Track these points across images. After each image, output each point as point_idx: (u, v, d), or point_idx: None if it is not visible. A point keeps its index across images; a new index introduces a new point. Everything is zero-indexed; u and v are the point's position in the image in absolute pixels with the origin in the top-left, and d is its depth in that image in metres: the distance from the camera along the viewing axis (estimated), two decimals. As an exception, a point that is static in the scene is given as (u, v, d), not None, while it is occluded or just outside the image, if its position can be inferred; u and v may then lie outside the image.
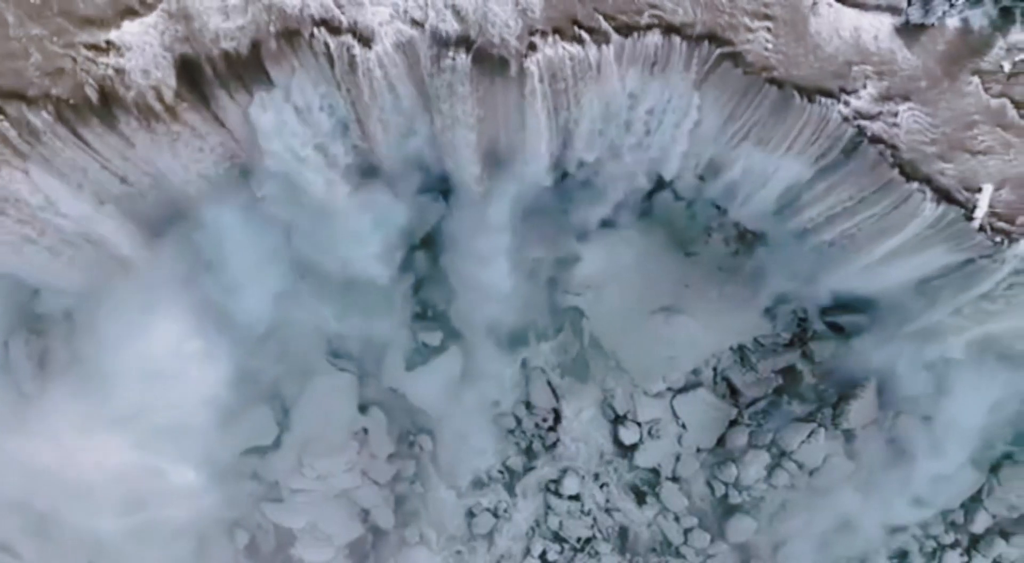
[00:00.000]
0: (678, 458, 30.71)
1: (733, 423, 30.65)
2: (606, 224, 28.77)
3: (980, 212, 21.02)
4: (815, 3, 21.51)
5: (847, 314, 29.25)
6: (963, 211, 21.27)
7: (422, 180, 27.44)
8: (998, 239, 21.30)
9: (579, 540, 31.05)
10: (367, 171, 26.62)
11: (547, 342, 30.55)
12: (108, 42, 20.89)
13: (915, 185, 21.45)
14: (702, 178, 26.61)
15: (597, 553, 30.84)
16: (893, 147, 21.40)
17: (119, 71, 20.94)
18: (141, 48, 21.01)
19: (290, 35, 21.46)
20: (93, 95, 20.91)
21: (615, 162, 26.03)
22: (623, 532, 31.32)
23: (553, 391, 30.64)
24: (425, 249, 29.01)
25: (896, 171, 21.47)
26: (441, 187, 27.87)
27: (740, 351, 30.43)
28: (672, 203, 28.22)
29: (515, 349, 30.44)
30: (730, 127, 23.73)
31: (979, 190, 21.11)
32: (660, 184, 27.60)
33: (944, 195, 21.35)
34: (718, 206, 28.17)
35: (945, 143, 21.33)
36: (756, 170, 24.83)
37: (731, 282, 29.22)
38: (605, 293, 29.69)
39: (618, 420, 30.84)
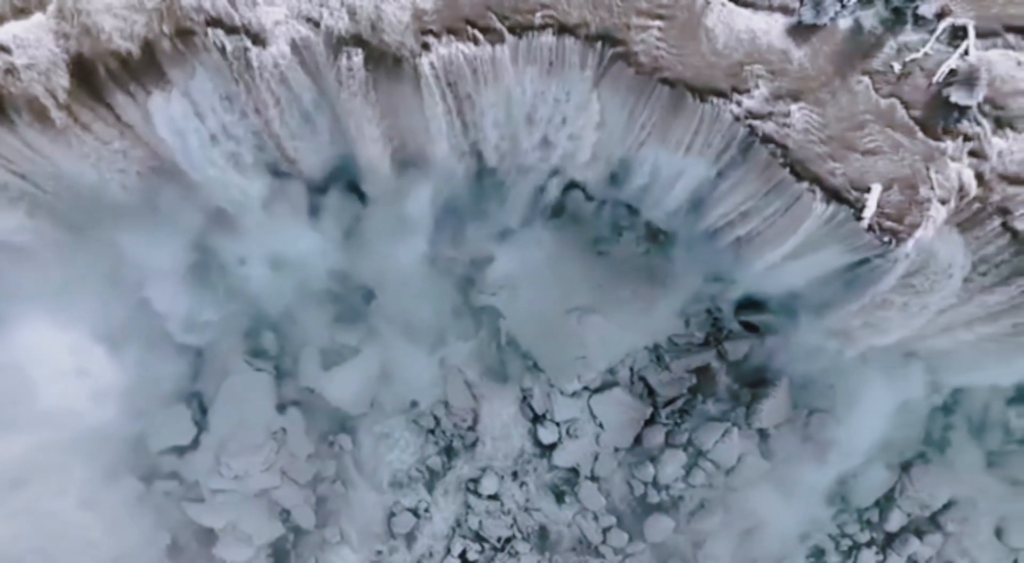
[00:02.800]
0: (596, 457, 30.66)
1: (650, 422, 30.63)
2: (519, 224, 28.75)
3: (869, 212, 21.01)
4: (708, 3, 21.58)
5: (760, 313, 29.35)
6: (853, 211, 21.34)
7: (337, 179, 27.49)
8: (887, 239, 21.31)
9: (499, 539, 31.03)
10: (279, 171, 26.63)
11: (465, 342, 30.52)
12: (-5, 41, 20.96)
13: (805, 185, 21.44)
14: (612, 178, 26.65)
15: (517, 553, 30.89)
16: (784, 147, 21.41)
17: (8, 71, 20.95)
18: (31, 47, 20.99)
19: (184, 35, 21.46)
20: (-19, 95, 21.02)
21: (524, 161, 26.05)
22: (543, 531, 31.30)
23: (471, 391, 30.64)
24: (342, 248, 28.92)
25: (787, 171, 21.45)
26: (356, 186, 27.85)
27: (655, 351, 30.48)
28: (583, 203, 28.16)
29: (433, 349, 30.36)
30: (633, 127, 23.74)
31: (868, 190, 21.18)
32: (571, 184, 27.66)
33: (834, 195, 21.31)
34: (629, 206, 28.23)
35: (835, 143, 21.37)
36: (663, 170, 24.86)
37: (644, 282, 29.17)
38: (520, 293, 29.67)
39: (537, 420, 30.83)
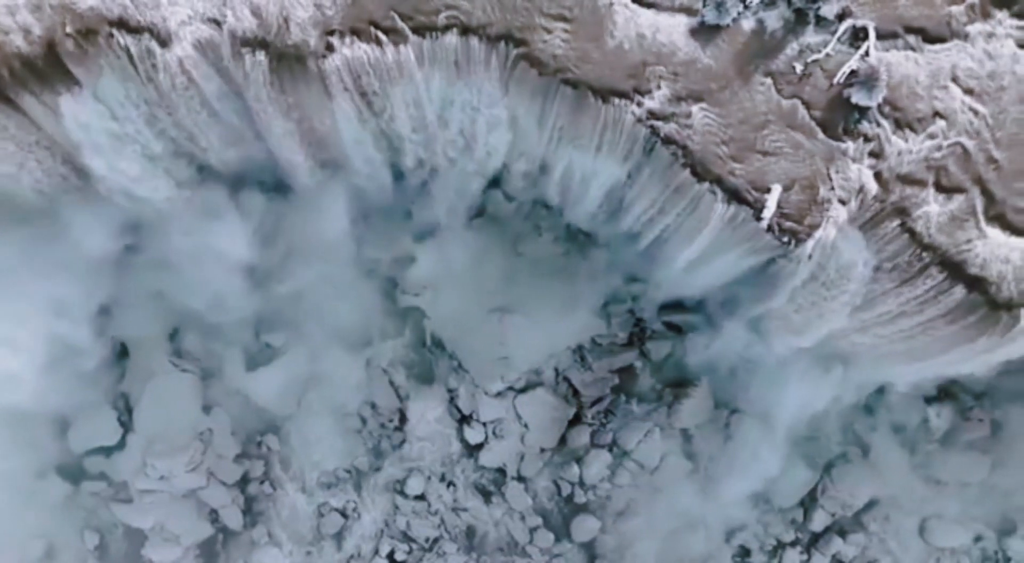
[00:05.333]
0: (522, 458, 30.69)
1: (575, 422, 30.69)
2: (441, 224, 28.73)
3: (768, 213, 21.02)
4: (611, 4, 21.61)
5: (683, 313, 29.45)
6: (753, 212, 21.37)
7: (257, 179, 27.44)
8: (786, 239, 21.37)
9: (427, 540, 31.03)
10: (196, 171, 26.59)
11: (391, 342, 30.50)
12: None
13: (706, 186, 21.47)
14: (530, 178, 26.65)
15: (444, 553, 30.87)
16: (685, 148, 21.41)
17: (-94, 71, 20.97)
18: (-73, 46, 20.98)
19: (88, 35, 21.44)
20: None
21: (442, 162, 26.02)
22: (470, 531, 31.30)
23: (396, 391, 30.66)
24: (267, 248, 28.82)
25: (688, 171, 21.47)
26: (279, 186, 27.82)
27: (579, 351, 30.51)
28: (504, 203, 28.25)
29: (359, 349, 30.36)
30: (544, 127, 23.72)
31: (768, 190, 21.22)
32: (491, 184, 27.67)
33: (734, 196, 21.36)
34: (548, 206, 28.30)
35: (737, 144, 21.37)
36: (577, 170, 24.85)
37: (565, 282, 29.22)
38: (443, 293, 29.69)
39: (464, 420, 30.86)
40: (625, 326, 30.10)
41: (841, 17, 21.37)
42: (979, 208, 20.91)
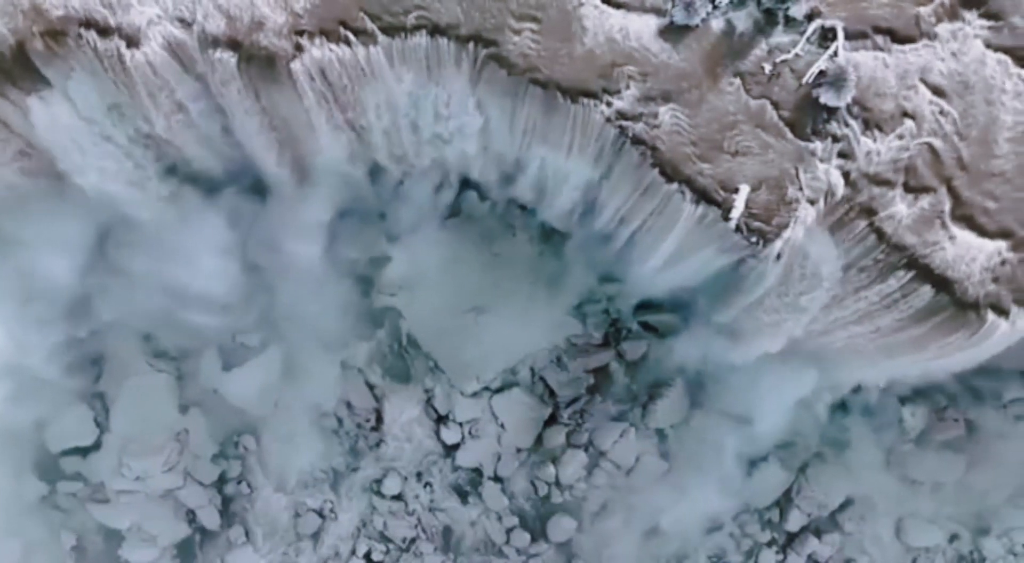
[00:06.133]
0: (499, 458, 30.76)
1: (551, 422, 30.75)
2: (416, 224, 28.83)
3: (736, 213, 21.02)
4: (581, 4, 21.61)
5: (657, 314, 29.51)
6: (721, 212, 21.38)
7: (234, 180, 27.38)
8: (754, 239, 21.39)
9: (404, 540, 31.08)
10: (173, 175, 26.55)
11: (366, 342, 30.51)
12: None
13: (675, 186, 21.49)
14: (505, 178, 26.68)
15: (421, 553, 30.93)
16: (654, 148, 21.40)
17: None
18: None
19: (56, 35, 21.47)
20: None
21: (416, 162, 26.09)
22: (447, 532, 31.38)
23: (372, 391, 30.70)
24: (241, 249, 28.81)
25: (656, 172, 21.48)
26: (255, 189, 27.81)
27: (554, 351, 30.54)
28: (478, 203, 28.38)
29: (335, 349, 30.40)
30: (516, 128, 23.73)
31: (736, 191, 21.24)
32: (466, 184, 27.75)
33: (703, 196, 21.37)
34: (523, 206, 28.37)
35: (705, 144, 21.37)
36: (550, 170, 24.89)
37: (540, 282, 29.34)
38: (419, 293, 29.77)
39: (440, 420, 30.92)
40: (600, 326, 30.13)
41: (810, 17, 21.28)
42: (947, 209, 20.90)
